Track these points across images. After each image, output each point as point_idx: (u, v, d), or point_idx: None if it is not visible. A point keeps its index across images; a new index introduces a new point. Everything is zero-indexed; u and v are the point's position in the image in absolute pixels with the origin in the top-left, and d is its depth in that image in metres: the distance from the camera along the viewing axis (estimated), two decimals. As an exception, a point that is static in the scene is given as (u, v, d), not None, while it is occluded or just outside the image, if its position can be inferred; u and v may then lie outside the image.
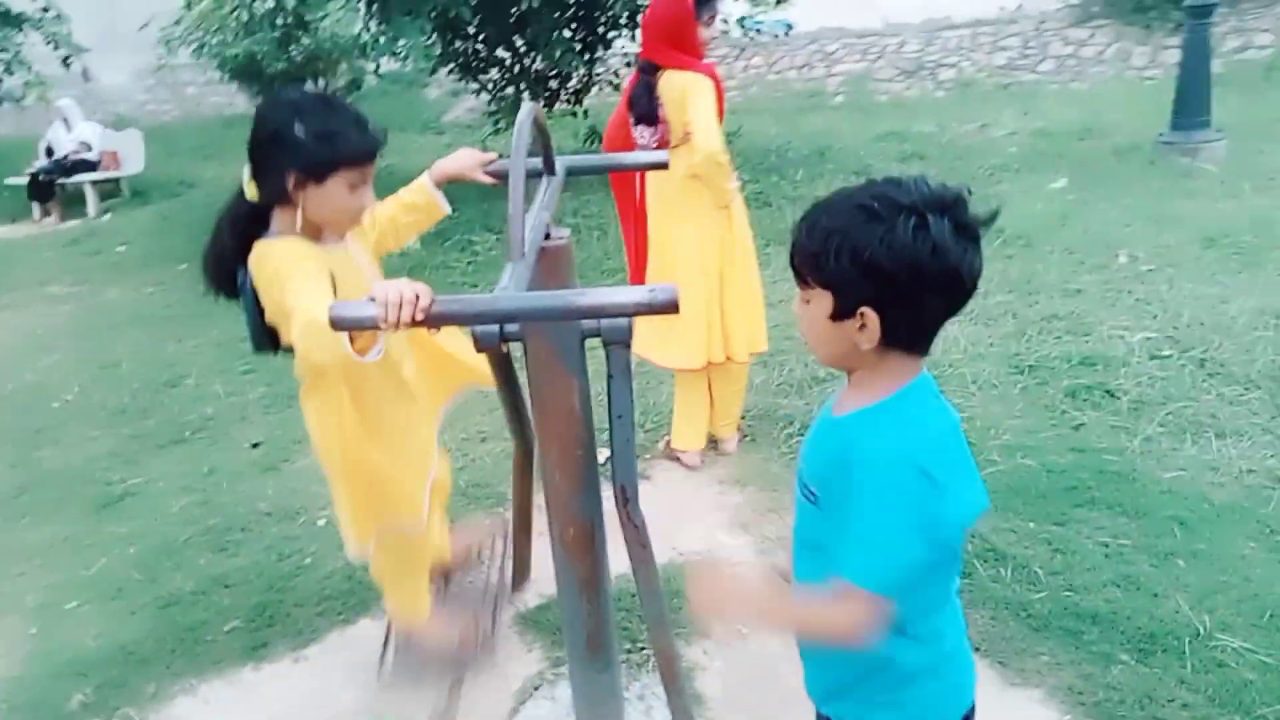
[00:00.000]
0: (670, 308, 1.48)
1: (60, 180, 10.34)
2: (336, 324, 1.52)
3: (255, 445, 4.15)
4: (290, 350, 2.16)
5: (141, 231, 8.86)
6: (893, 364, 1.33)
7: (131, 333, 5.92)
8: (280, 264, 1.98)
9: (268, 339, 2.17)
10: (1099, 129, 8.26)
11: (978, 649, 2.54)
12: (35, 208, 10.34)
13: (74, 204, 10.38)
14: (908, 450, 1.29)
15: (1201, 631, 2.49)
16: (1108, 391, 3.79)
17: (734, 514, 3.30)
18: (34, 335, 6.15)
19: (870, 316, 1.27)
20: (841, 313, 1.29)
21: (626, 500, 2.10)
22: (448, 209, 2.40)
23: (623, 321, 1.93)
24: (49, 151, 10.64)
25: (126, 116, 14.54)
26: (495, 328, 1.96)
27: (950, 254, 1.22)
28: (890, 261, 1.22)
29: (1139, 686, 2.35)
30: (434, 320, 1.54)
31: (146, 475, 3.99)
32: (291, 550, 3.27)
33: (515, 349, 1.96)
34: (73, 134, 10.73)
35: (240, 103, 13.64)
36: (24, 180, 10.33)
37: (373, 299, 1.54)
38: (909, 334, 1.31)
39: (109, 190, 10.75)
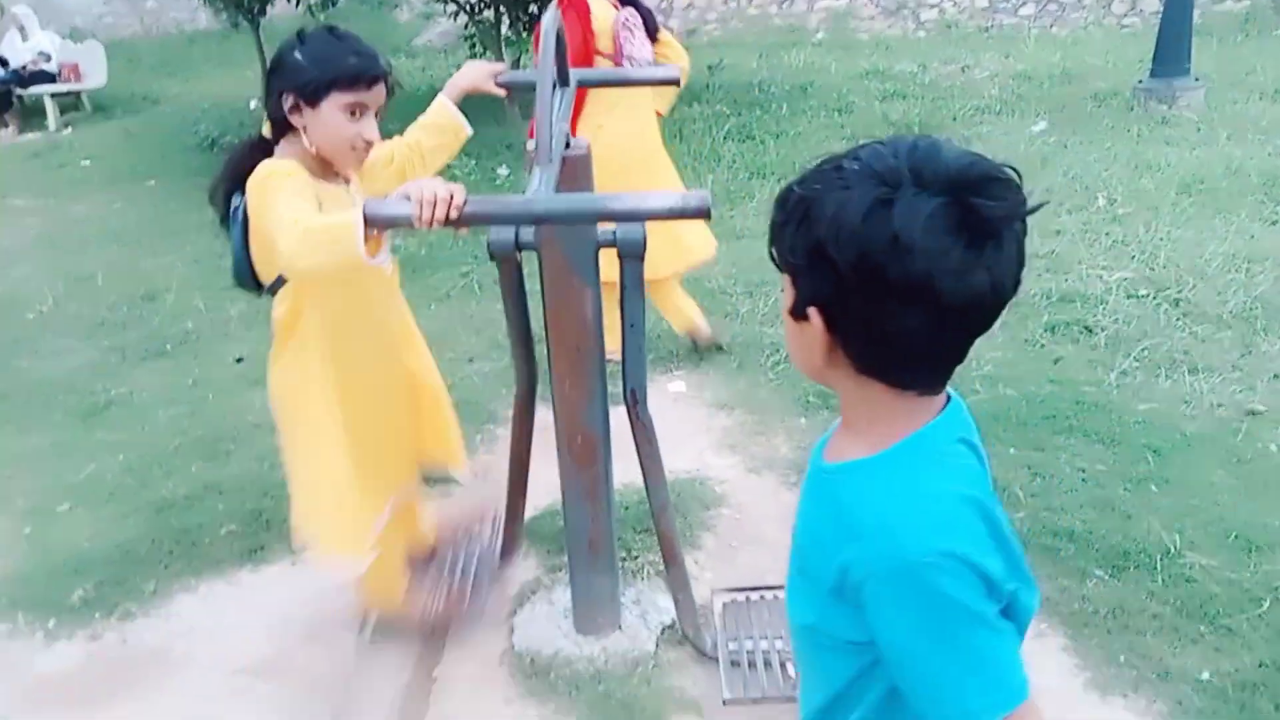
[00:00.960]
0: (702, 213, 1.51)
1: (18, 92, 9.98)
2: (371, 220, 1.53)
3: (239, 360, 4.13)
4: (272, 292, 2.08)
5: (106, 147, 8.62)
6: (881, 400, 0.97)
7: (104, 247, 5.81)
8: (269, 176, 1.90)
9: (250, 275, 2.08)
10: (1079, 74, 8.30)
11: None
12: (-8, 119, 9.99)
13: (32, 116, 10.05)
14: (918, 534, 0.91)
15: (1171, 550, 2.61)
16: (1086, 327, 3.90)
17: (722, 436, 3.37)
18: (0, 247, 6.01)
19: (814, 321, 0.94)
20: (795, 309, 0.96)
21: (636, 402, 2.16)
22: (469, 130, 2.34)
23: (638, 233, 1.96)
24: (3, 62, 10.25)
25: (83, 29, 13.98)
26: (511, 236, 1.98)
27: (917, 253, 0.84)
28: (838, 247, 0.87)
29: (1111, 599, 2.48)
30: (467, 219, 1.56)
31: (130, 386, 3.96)
32: (282, 460, 3.28)
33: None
34: (29, 43, 10.34)
35: (203, 19, 13.19)
36: (-21, 89, 9.97)
37: (407, 196, 1.55)
38: (872, 357, 0.94)
39: (69, 104, 10.41)
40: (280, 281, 2.06)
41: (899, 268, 0.85)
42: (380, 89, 1.96)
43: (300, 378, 2.13)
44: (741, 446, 3.30)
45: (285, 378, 2.16)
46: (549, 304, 2.10)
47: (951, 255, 0.84)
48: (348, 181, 2.12)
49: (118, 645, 2.56)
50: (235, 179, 2.01)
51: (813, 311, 0.93)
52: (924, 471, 0.95)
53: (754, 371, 3.78)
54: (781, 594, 2.44)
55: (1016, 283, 0.90)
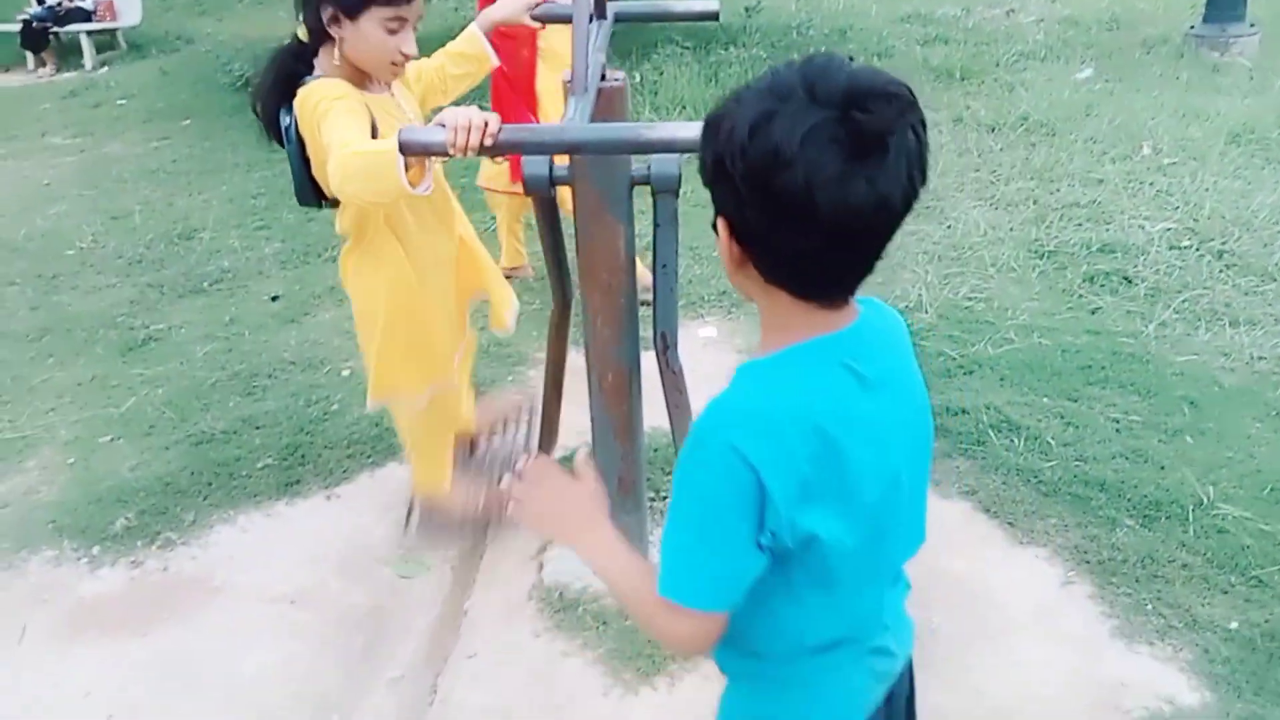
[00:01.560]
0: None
1: (54, 30, 10.00)
2: (407, 149, 1.53)
3: (274, 298, 4.17)
4: (335, 204, 2.15)
5: (141, 86, 8.62)
6: (783, 307, 0.99)
7: (140, 185, 5.85)
8: (320, 101, 1.95)
9: (312, 191, 2.15)
10: (1128, 20, 8.05)
11: (988, 510, 2.66)
12: (30, 57, 10.02)
13: (69, 55, 10.07)
14: (725, 422, 0.98)
15: (1205, 501, 2.59)
16: (1125, 278, 3.83)
17: (752, 380, 3.37)
18: (40, 184, 6.07)
19: (721, 231, 0.98)
20: (713, 222, 0.99)
21: (666, 347, 2.15)
22: (496, 60, 2.36)
23: (672, 168, 1.94)
24: (39, 0, 10.26)
25: (118, -34, 13.94)
26: (545, 170, 1.97)
27: (796, 164, 0.85)
28: (730, 162, 0.90)
29: (1142, 548, 2.47)
30: (501, 148, 1.55)
31: (168, 322, 4.02)
32: (318, 397, 3.34)
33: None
34: (65, -19, 10.32)
35: (238, -44, 13.07)
36: (16, 27, 9.99)
37: (441, 124, 1.55)
38: (771, 268, 0.97)
39: (105, 42, 10.41)
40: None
41: (780, 179, 0.86)
42: (419, 2, 2.00)
43: (374, 279, 2.24)
44: (771, 392, 3.29)
45: (360, 278, 2.27)
46: (581, 240, 2.09)
47: (829, 167, 0.85)
48: (387, 85, 2.17)
49: (159, 572, 2.64)
50: (281, 91, 2.05)
51: (720, 223, 0.97)
52: (774, 380, 0.99)
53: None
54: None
55: (908, 199, 0.91)
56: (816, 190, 0.85)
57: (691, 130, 1.53)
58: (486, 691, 2.24)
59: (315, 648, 2.39)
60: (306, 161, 2.09)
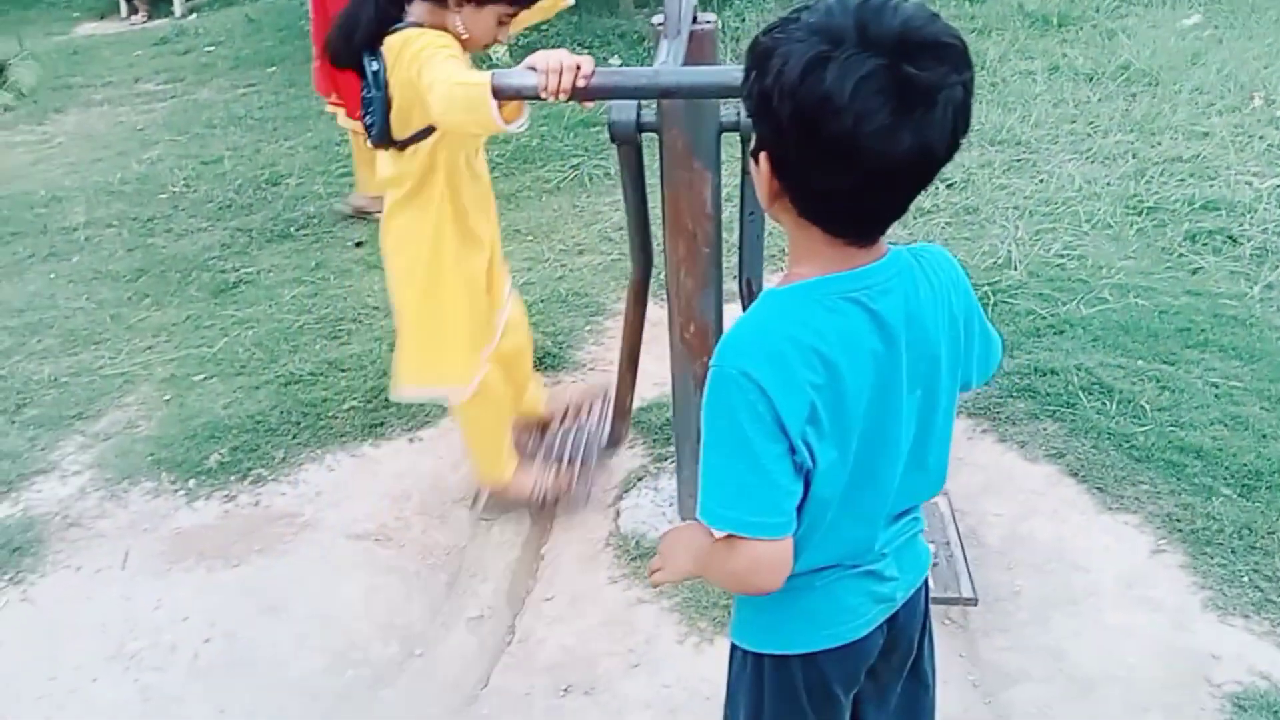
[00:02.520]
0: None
1: (146, -24, 10.22)
2: (499, 92, 1.52)
3: (359, 244, 4.24)
4: (403, 147, 2.15)
5: (229, 33, 8.78)
6: (813, 241, 1.02)
7: (229, 132, 5.98)
8: (425, 46, 1.97)
9: (389, 133, 2.15)
10: (1242, -37, 7.58)
11: (1075, 474, 2.59)
12: (123, 4, 10.28)
13: (160, 2, 10.29)
14: (737, 350, 1.02)
15: (1309, 472, 2.48)
16: (1230, 237, 3.65)
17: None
18: (134, 129, 6.25)
19: (762, 164, 1.00)
20: (753, 151, 1.02)
21: (752, 295, 2.13)
22: None
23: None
24: (132, -54, 10.47)
25: (206, -87, 14.15)
26: (632, 115, 1.94)
27: (844, 112, 0.86)
28: (777, 100, 0.90)
29: (1239, 518, 2.38)
30: (593, 92, 1.53)
31: (257, 266, 4.12)
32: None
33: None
34: (156, -72, 10.50)
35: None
36: (111, -25, 10.24)
37: (532, 67, 1.53)
38: (807, 206, 1.00)
39: (194, -10, 10.61)
40: (414, 139, 2.13)
41: (827, 126, 0.88)
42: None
43: (423, 228, 2.22)
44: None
45: (409, 227, 2.25)
46: (667, 188, 2.07)
47: (877, 117, 0.87)
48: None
49: (250, 506, 2.73)
50: (375, 34, 2.07)
51: (762, 156, 1.00)
52: (786, 309, 1.03)
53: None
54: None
55: (951, 147, 0.93)
56: (862, 138, 0.87)
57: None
58: (564, 633, 2.28)
59: (399, 584, 2.46)
60: (388, 102, 2.10)
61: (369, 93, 2.10)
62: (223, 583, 2.48)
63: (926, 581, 1.30)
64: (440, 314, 2.29)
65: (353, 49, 2.13)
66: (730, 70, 1.53)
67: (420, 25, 2.06)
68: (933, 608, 2.12)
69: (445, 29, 2.06)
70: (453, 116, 1.86)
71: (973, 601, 2.17)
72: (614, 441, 2.71)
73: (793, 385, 1.00)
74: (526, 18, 2.35)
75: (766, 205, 1.05)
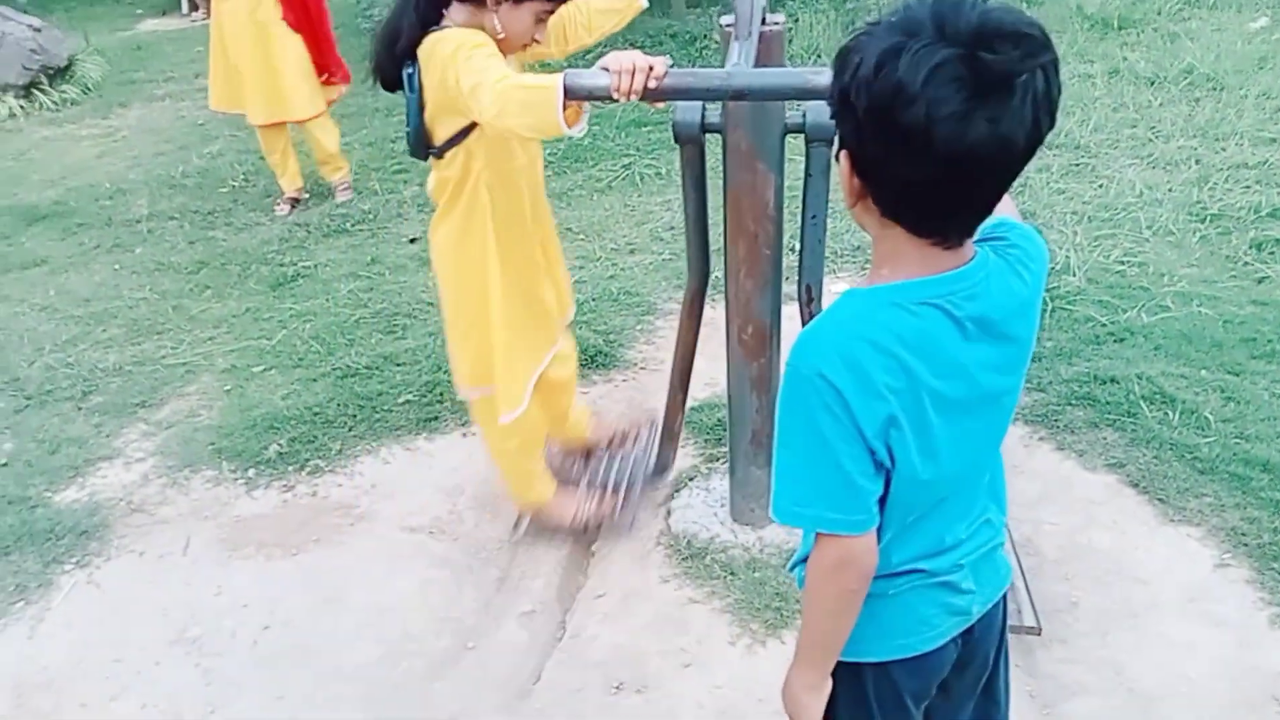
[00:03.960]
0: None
1: (206, -26, 10.42)
2: (571, 93, 1.53)
3: (413, 240, 4.29)
4: (440, 154, 2.10)
5: (286, 30, 8.94)
6: (897, 242, 1.01)
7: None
8: (459, 46, 1.90)
9: (423, 143, 2.12)
10: (1311, -36, 7.38)
11: (1136, 485, 2.54)
12: (184, 1, 10.49)
13: (219, 0, 10.49)
14: (813, 351, 1.01)
15: (1381, 489, 2.41)
16: (1298, 246, 3.56)
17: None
18: (195, 124, 6.37)
19: (844, 163, 1.00)
20: (836, 152, 1.02)
21: (811, 299, 2.12)
22: (644, 3, 2.30)
23: (828, 117, 1.89)
24: (193, -56, 10.67)
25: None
26: (697, 117, 1.95)
27: (918, 101, 0.86)
28: (855, 95, 0.91)
29: (1307, 534, 2.32)
30: (665, 93, 1.54)
31: (314, 260, 4.19)
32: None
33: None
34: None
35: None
36: (172, -27, 10.45)
37: (605, 68, 1.54)
38: (889, 203, 0.98)
39: (252, -13, 10.79)
40: (449, 144, 2.07)
41: (903, 115, 0.87)
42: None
43: (467, 238, 2.17)
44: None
45: (453, 238, 2.19)
46: (729, 189, 2.07)
47: (951, 104, 0.86)
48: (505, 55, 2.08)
49: (308, 497, 2.78)
50: (418, 37, 2.00)
51: (843, 155, 0.99)
52: (867, 311, 1.02)
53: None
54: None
55: (1032, 141, 0.91)
56: (936, 126, 0.86)
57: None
58: (615, 630, 2.29)
59: (452, 577, 2.49)
60: (422, 110, 2.05)
61: (408, 97, 2.04)
62: (281, 571, 2.53)
63: (1005, 597, 1.28)
64: (486, 332, 2.23)
65: (395, 58, 2.06)
66: (803, 72, 1.53)
67: (454, 28, 1.98)
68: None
69: (483, 29, 1.99)
70: (509, 120, 1.79)
71: (1036, 630, 2.13)
72: (660, 469, 2.66)
73: (870, 390, 0.99)
74: (602, 16, 2.28)
75: (850, 206, 1.04)
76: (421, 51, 2.00)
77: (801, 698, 1.19)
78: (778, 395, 1.07)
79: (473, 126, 2.00)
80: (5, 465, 2.99)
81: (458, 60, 1.89)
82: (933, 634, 1.19)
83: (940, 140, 0.87)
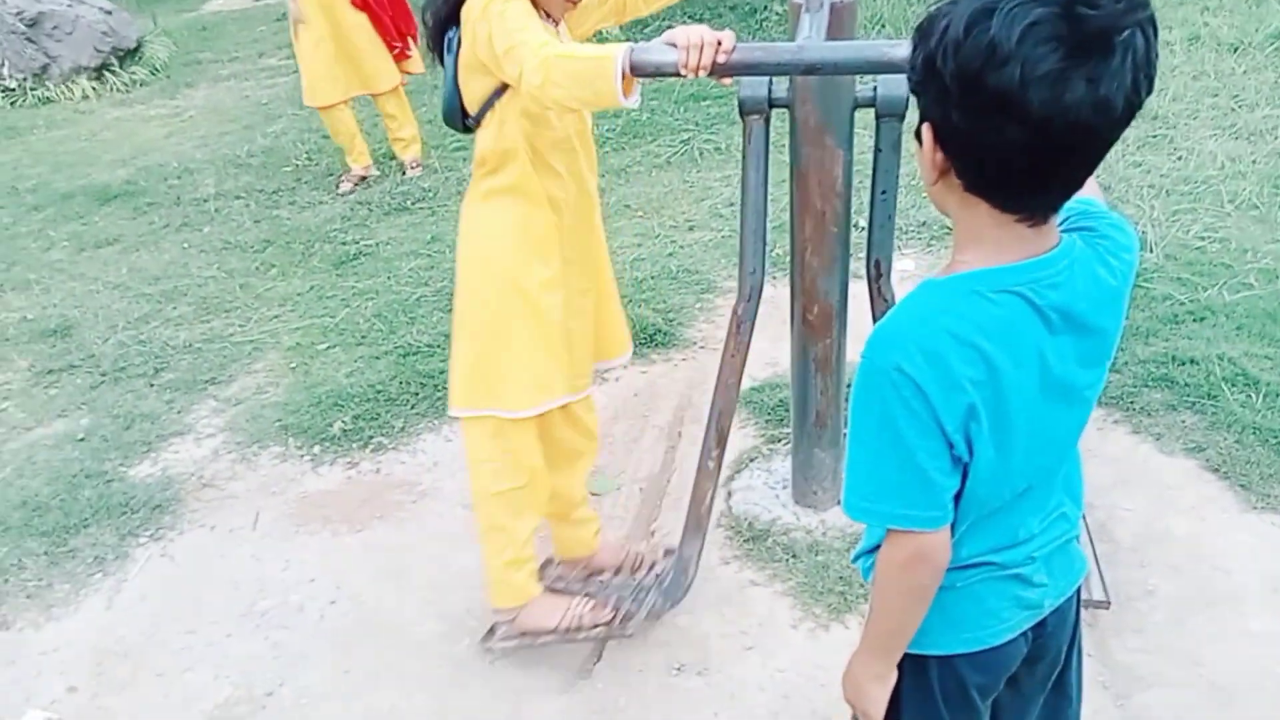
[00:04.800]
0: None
1: (268, -46, 10.54)
2: (638, 69, 1.49)
3: (472, 218, 4.30)
4: (477, 122, 1.92)
5: (346, 9, 9.02)
6: (979, 221, 0.96)
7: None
8: (506, 8, 1.75)
9: (460, 111, 1.95)
10: None
11: (1216, 470, 2.46)
12: (247, -18, 10.65)
13: (281, -21, 10.63)
14: (891, 344, 0.97)
15: None
16: (1394, 220, 3.39)
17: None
18: (259, 104, 6.47)
19: (925, 137, 0.94)
20: (917, 130, 0.96)
21: (879, 275, 2.07)
22: None
23: (901, 90, 1.83)
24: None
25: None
26: (764, 91, 1.90)
27: (1012, 60, 0.81)
28: (942, 58, 0.86)
29: (1402, 524, 2.22)
30: (734, 68, 1.50)
31: (376, 239, 4.23)
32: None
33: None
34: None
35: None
36: (235, -47, 10.59)
37: (672, 43, 1.51)
38: (975, 175, 0.93)
39: (313, -34, 10.89)
40: (484, 111, 1.91)
41: (995, 76, 0.82)
42: None
43: (495, 223, 1.94)
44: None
45: (480, 220, 1.97)
46: (796, 166, 2.03)
47: (1047, 63, 0.81)
48: (556, 24, 1.96)
49: (372, 474, 2.82)
50: (455, 9, 1.86)
51: (925, 129, 0.93)
52: (946, 300, 0.97)
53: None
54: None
55: (1131, 105, 0.85)
56: (1031, 87, 0.81)
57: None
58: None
59: (514, 555, 2.49)
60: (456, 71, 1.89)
61: (446, 62, 1.90)
62: (346, 547, 2.57)
63: (1079, 591, 1.24)
64: (504, 339, 1.93)
65: (440, 23, 1.92)
66: (879, 45, 1.47)
67: None
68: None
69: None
70: (555, 91, 1.63)
71: (1105, 604, 2.08)
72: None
73: (951, 383, 0.95)
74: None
75: (929, 185, 0.99)
76: (463, 14, 1.91)
77: (866, 687, 1.17)
78: (850, 384, 1.03)
79: (504, 88, 1.84)
80: (82, 440, 3.08)
81: (489, 16, 1.74)
82: (1002, 628, 1.15)
83: (1035, 102, 0.82)
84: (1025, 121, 0.83)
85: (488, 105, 1.88)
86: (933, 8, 0.90)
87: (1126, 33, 0.82)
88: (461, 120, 1.94)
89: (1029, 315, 0.97)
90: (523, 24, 1.70)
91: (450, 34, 1.89)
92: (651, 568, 2.33)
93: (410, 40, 4.73)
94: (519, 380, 1.94)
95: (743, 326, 2.08)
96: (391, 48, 4.66)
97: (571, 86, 1.63)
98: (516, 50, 1.65)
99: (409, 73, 4.82)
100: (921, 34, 0.90)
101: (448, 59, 1.89)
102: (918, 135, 0.96)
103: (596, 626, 2.14)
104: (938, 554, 1.04)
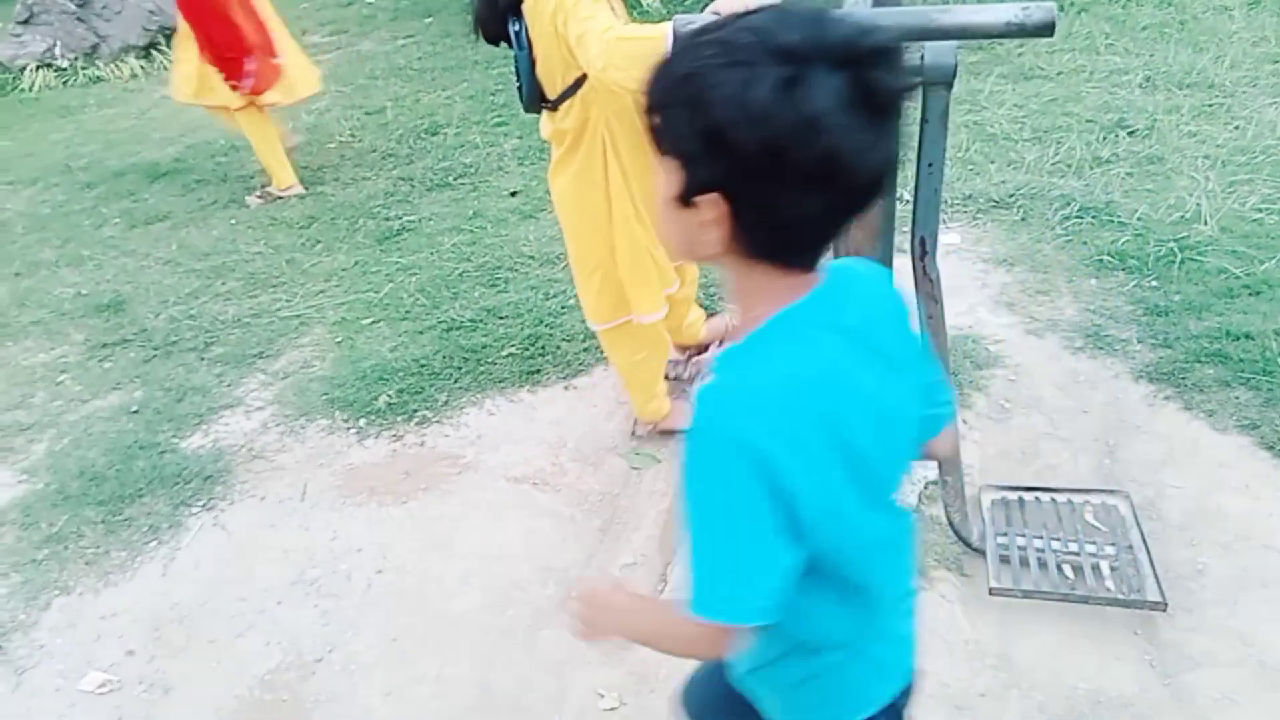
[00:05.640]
0: (1045, 29, 1.35)
1: (310, -69, 10.57)
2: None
3: (513, 194, 4.32)
4: (557, 104, 2.12)
5: (387, -15, 9.03)
6: (764, 279, 0.91)
7: (390, 82, 6.17)
8: None
9: (539, 96, 2.14)
10: None
11: (1271, 448, 2.40)
12: (289, -41, 10.70)
13: (323, -44, 10.67)
14: (727, 413, 0.88)
15: None
16: None
17: (999, 293, 3.17)
18: (303, 81, 6.53)
19: (716, 208, 0.86)
20: (685, 196, 0.88)
21: (924, 253, 2.04)
22: None
23: (949, 58, 1.79)
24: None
25: None
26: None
27: (830, 131, 0.79)
28: (742, 131, 0.80)
29: None
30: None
31: (418, 214, 4.26)
32: (556, 291, 3.45)
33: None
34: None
35: None
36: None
37: (716, 13, 1.49)
38: (765, 242, 0.88)
39: (354, -57, 10.92)
40: (565, 95, 2.10)
41: (809, 149, 0.80)
42: None
43: (587, 184, 2.23)
44: (1020, 306, 3.09)
45: (573, 184, 2.26)
46: (840, 139, 2.00)
47: (858, 133, 0.80)
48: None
49: (416, 446, 2.86)
50: (515, 2, 2.02)
51: (706, 198, 0.86)
52: (770, 356, 0.91)
53: (1039, 226, 3.49)
54: (1054, 495, 2.31)
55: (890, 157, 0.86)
56: (845, 157, 0.81)
57: (988, 15, 1.40)
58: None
59: (556, 528, 2.52)
60: (534, 63, 2.07)
61: (517, 54, 2.06)
62: (392, 518, 2.61)
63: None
64: (627, 253, 2.33)
65: (498, 14, 2.07)
66: (927, 11, 1.45)
67: None
68: (1117, 611, 2.02)
69: None
70: (615, 74, 1.80)
71: (1161, 606, 2.04)
72: None
73: (800, 444, 0.88)
74: None
75: (695, 249, 0.92)
76: (526, 5, 2.00)
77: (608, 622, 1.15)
78: (683, 468, 0.92)
79: (585, 76, 1.98)
80: (136, 412, 3.16)
81: (566, 6, 1.89)
82: (869, 698, 1.14)
83: (847, 170, 0.81)
84: (834, 187, 0.83)
85: (570, 92, 2.09)
86: (672, 66, 0.85)
87: (905, 93, 0.84)
88: (540, 106, 2.18)
89: (842, 343, 0.92)
90: (590, 11, 1.84)
91: (517, 27, 2.03)
92: None
93: (241, 66, 4.26)
94: (643, 292, 2.39)
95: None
96: (219, 67, 4.25)
97: (629, 68, 1.77)
98: (585, 37, 1.80)
99: (260, 102, 4.43)
100: (682, 99, 0.84)
101: (519, 52, 2.06)
102: (683, 201, 0.88)
103: None
104: (741, 641, 0.99)
